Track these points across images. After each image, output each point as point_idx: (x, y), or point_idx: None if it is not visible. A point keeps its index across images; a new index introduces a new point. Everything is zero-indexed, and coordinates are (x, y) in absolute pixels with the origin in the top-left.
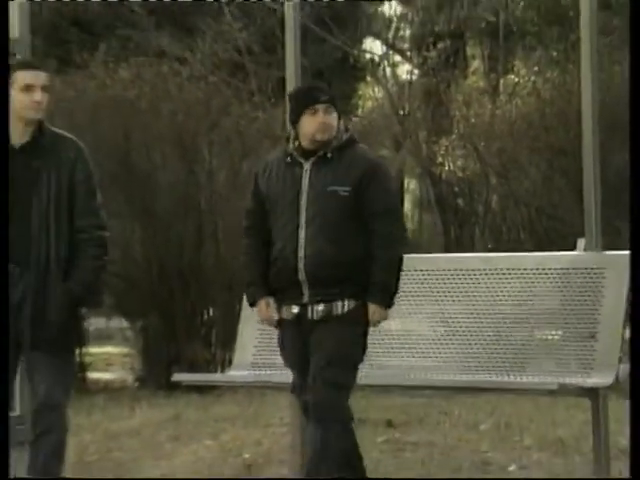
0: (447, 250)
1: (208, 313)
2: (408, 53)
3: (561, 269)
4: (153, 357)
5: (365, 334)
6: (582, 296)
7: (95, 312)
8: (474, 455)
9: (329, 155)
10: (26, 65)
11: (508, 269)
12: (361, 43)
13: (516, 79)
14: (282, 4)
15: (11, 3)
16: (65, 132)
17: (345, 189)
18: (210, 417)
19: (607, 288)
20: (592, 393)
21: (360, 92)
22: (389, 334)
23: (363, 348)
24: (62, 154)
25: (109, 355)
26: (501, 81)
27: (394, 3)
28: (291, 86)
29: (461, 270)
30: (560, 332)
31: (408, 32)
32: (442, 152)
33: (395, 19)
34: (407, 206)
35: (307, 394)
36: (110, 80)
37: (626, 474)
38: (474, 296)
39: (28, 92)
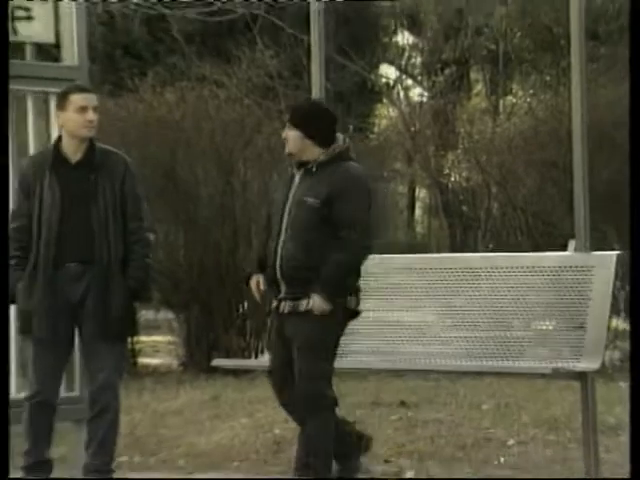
0: (453, 251)
1: (243, 306)
2: (419, 78)
3: (554, 267)
4: (195, 345)
5: (329, 328)
6: (572, 291)
7: (145, 305)
8: (477, 431)
9: (313, 169)
10: (80, 89)
11: (507, 267)
12: (377, 69)
13: (514, 100)
14: (308, 35)
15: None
16: (112, 147)
17: (316, 201)
18: (245, 398)
19: (594, 284)
20: (581, 376)
21: (377, 112)
22: (402, 325)
23: (331, 340)
24: (112, 168)
25: (157, 343)
26: (500, 102)
27: (407, 34)
28: None
29: (465, 268)
30: (553, 323)
31: (419, 59)
32: (449, 165)
33: (407, 48)
34: (418, 212)
35: (277, 378)
36: (157, 102)
37: (612, 449)
38: (477, 291)
39: (82, 113)
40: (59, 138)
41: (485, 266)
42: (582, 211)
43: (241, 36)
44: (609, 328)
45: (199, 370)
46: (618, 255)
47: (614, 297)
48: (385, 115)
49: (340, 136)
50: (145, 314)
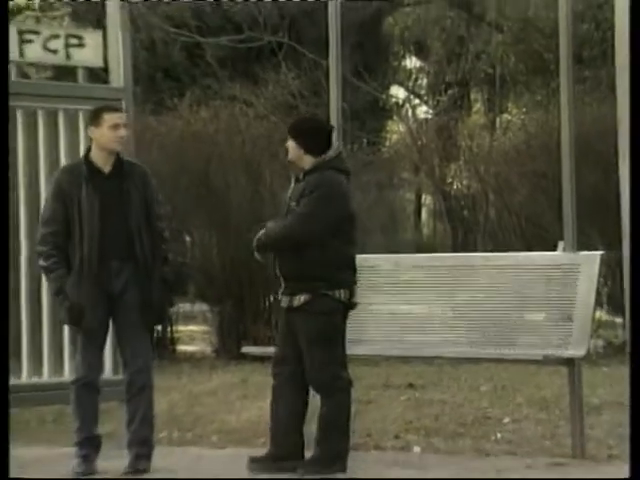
0: (455, 251)
1: (270, 300)
2: (425, 97)
3: (544, 266)
4: (226, 334)
5: (323, 320)
6: (561, 287)
7: (183, 299)
8: (476, 411)
9: (301, 176)
10: (114, 109)
11: (503, 265)
12: (388, 89)
13: (509, 117)
14: (327, 59)
15: (117, 58)
16: (133, 159)
17: (296, 204)
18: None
19: (580, 281)
20: (569, 362)
21: (387, 128)
22: (410, 316)
23: (330, 330)
24: (138, 177)
25: (193, 332)
26: (497, 119)
27: (414, 59)
28: (335, 125)
29: (466, 266)
30: (544, 314)
31: (425, 81)
32: (451, 174)
33: (414, 71)
34: (424, 216)
35: (279, 367)
36: (193, 119)
37: (596, 426)
38: (476, 286)
39: (115, 129)
40: (88, 151)
41: (484, 264)
42: (569, 216)
43: (267, 61)
44: (593, 319)
45: (230, 356)
46: (601, 255)
47: (598, 292)
48: (395, 130)
49: (334, 147)
50: (183, 306)
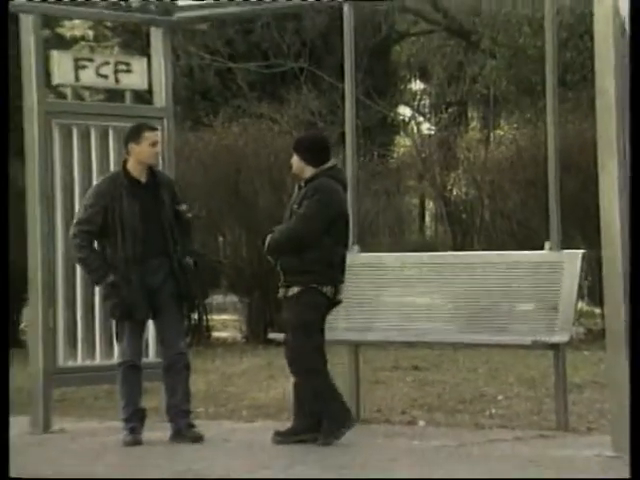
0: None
1: None
2: (428, 115)
3: (533, 263)
4: (254, 322)
5: (307, 311)
6: (547, 281)
7: (216, 291)
8: (474, 390)
9: (302, 184)
10: (152, 127)
11: (497, 263)
12: (396, 108)
13: (501, 133)
14: (343, 82)
15: (160, 82)
16: (161, 170)
17: (296, 206)
18: None
19: (564, 276)
20: (554, 347)
21: (395, 142)
22: (415, 307)
23: (312, 320)
24: (167, 185)
25: (225, 320)
26: (491, 134)
27: (418, 81)
28: (349, 139)
29: (464, 263)
30: (532, 305)
31: (428, 101)
32: (451, 182)
33: (419, 92)
34: (427, 219)
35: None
36: (226, 134)
37: (577, 402)
38: (473, 281)
39: (153, 146)
40: (125, 163)
41: (479, 262)
42: (555, 219)
43: (290, 83)
44: (575, 309)
45: (258, 342)
46: (583, 253)
47: (579, 286)
48: (402, 144)
49: (333, 159)
50: (216, 298)
